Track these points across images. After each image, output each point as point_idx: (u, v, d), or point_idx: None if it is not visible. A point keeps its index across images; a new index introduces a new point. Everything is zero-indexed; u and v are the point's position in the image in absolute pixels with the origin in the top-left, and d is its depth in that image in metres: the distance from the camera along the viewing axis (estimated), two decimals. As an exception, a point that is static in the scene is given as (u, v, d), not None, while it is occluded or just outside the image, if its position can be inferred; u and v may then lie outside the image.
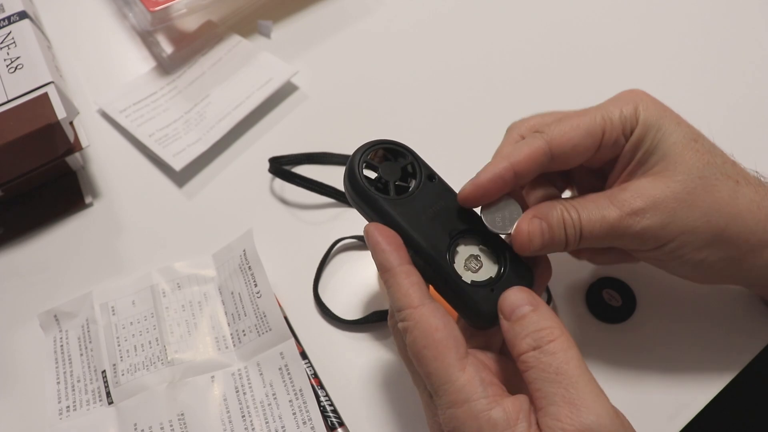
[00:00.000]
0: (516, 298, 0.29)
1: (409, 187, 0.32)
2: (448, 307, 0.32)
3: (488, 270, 0.31)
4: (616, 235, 0.31)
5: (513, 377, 0.30)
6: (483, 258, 0.32)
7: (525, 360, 0.27)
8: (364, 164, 0.32)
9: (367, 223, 0.31)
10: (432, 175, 0.33)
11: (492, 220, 0.32)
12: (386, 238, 0.30)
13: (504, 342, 0.32)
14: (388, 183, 0.32)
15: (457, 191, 0.33)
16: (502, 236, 0.32)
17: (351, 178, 0.32)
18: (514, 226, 0.32)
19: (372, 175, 0.33)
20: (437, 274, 0.31)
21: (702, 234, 0.31)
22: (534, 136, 0.32)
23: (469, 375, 0.27)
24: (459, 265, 0.31)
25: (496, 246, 0.32)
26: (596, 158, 0.33)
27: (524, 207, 0.33)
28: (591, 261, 0.38)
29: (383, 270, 0.30)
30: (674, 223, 0.31)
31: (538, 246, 0.31)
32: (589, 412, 0.25)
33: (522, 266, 0.32)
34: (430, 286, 0.32)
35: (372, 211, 0.32)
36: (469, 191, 0.31)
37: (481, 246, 0.32)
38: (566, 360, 0.27)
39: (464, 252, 0.31)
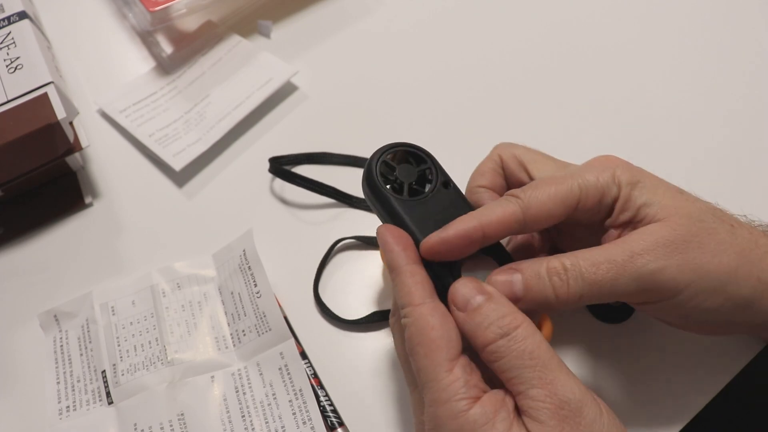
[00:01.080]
0: (466, 289, 0.29)
1: (424, 192, 0.33)
2: None
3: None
4: (629, 281, 0.29)
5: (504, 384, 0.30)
6: (486, 268, 0.31)
7: (495, 350, 0.27)
8: (383, 163, 0.33)
9: (380, 224, 0.32)
10: (448, 183, 0.33)
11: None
12: (396, 238, 0.31)
13: None
14: (403, 184, 0.32)
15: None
16: None
17: (368, 173, 0.32)
18: (486, 279, 0.30)
19: (391, 176, 0.33)
20: (438, 278, 0.31)
21: (716, 276, 0.30)
22: (509, 200, 0.31)
23: (455, 376, 0.27)
24: (462, 271, 0.31)
25: (501, 258, 0.32)
26: (575, 218, 0.32)
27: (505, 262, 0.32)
28: None
29: (391, 269, 0.30)
30: (688, 265, 0.29)
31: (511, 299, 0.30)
32: (565, 389, 0.26)
33: None
34: None
35: (383, 208, 0.32)
36: (433, 244, 0.30)
37: (485, 256, 0.32)
38: (536, 345, 0.27)
39: (468, 260, 0.31)
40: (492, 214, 0.31)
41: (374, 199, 0.33)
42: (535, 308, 0.30)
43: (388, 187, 0.32)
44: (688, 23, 0.56)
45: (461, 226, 0.30)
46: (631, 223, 0.31)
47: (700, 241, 0.30)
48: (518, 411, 0.27)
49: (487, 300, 0.29)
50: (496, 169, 0.36)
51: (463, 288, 0.29)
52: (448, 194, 0.33)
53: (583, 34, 0.55)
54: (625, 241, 0.30)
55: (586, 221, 0.33)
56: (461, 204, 0.33)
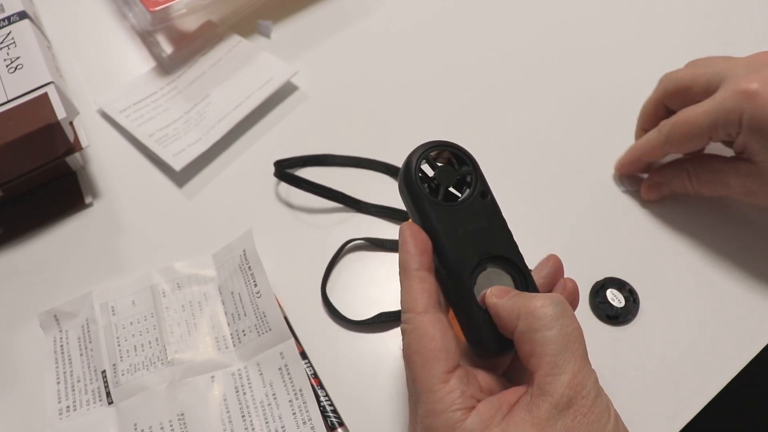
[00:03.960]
0: (504, 287, 0.30)
1: (460, 198, 0.32)
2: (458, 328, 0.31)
3: None
4: (740, 104, 0.37)
5: None
6: (499, 284, 0.31)
7: (546, 320, 0.27)
8: (424, 160, 0.32)
9: (404, 222, 0.32)
10: (485, 193, 0.32)
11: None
12: (415, 240, 0.30)
13: (508, 368, 0.32)
14: (439, 186, 0.31)
15: (504, 216, 0.32)
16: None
17: (406, 168, 0.31)
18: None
19: (430, 173, 0.32)
20: (454, 290, 0.30)
21: None
22: (654, 136, 0.43)
23: (451, 387, 0.27)
24: (479, 288, 0.30)
25: (522, 281, 0.31)
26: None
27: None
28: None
29: (402, 270, 0.30)
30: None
31: (654, 198, 0.45)
32: (590, 379, 0.27)
33: None
34: (450, 311, 0.31)
35: (414, 206, 0.31)
36: (619, 166, 0.47)
37: (507, 276, 0.31)
38: (577, 333, 0.28)
39: (488, 277, 0.30)
40: (643, 146, 0.44)
41: (408, 197, 0.31)
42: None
43: (425, 185, 0.31)
44: (687, 22, 0.56)
45: (628, 154, 0.46)
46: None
47: None
48: (532, 391, 0.27)
49: (521, 293, 0.30)
50: (658, 108, 0.45)
51: (500, 287, 0.30)
52: (484, 205, 0.31)
53: (582, 34, 0.55)
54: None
55: (725, 138, 0.40)
56: (495, 217, 0.32)
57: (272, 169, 0.46)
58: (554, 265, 0.34)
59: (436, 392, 0.27)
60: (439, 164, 0.32)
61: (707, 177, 0.42)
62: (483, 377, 0.30)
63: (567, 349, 0.27)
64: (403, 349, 0.29)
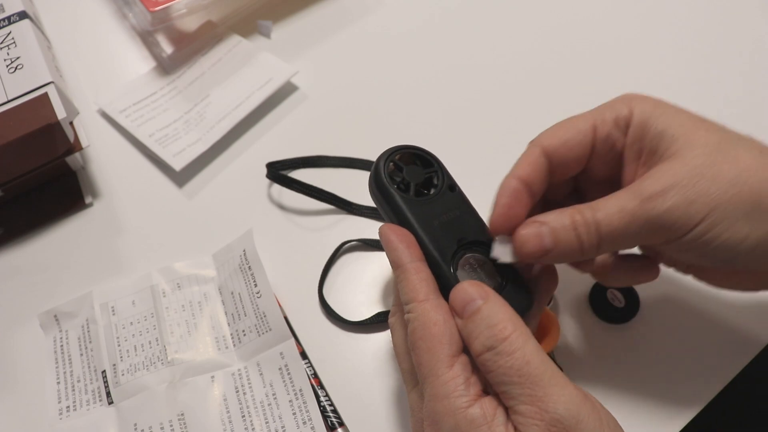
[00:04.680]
0: (466, 293, 0.29)
1: (429, 194, 0.33)
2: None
3: (488, 284, 0.31)
4: (640, 226, 0.29)
5: None
6: (485, 271, 0.32)
7: (483, 363, 0.27)
8: (391, 163, 0.33)
9: (382, 224, 0.32)
10: (453, 186, 0.34)
11: (501, 251, 0.31)
12: (399, 236, 0.31)
13: None
14: (409, 184, 0.33)
15: (475, 191, 0.33)
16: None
17: (376, 172, 0.33)
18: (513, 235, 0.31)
19: (398, 176, 0.33)
20: (438, 278, 0.31)
21: (735, 205, 0.28)
22: (528, 148, 0.33)
23: (455, 372, 0.27)
24: (461, 274, 0.31)
25: (501, 262, 0.32)
26: (597, 162, 0.33)
27: None
28: (603, 281, 0.35)
29: (395, 266, 0.31)
30: (701, 198, 0.28)
31: (534, 251, 0.30)
32: (557, 404, 0.25)
33: (522, 284, 0.32)
34: None
35: (388, 206, 0.32)
36: (496, 218, 0.31)
37: (485, 260, 0.32)
38: (526, 358, 0.26)
39: (468, 262, 0.31)
40: (520, 163, 0.32)
41: (380, 197, 0.33)
42: (560, 261, 0.31)
43: (394, 186, 0.32)
44: (687, 22, 0.56)
45: (505, 189, 0.32)
46: (645, 155, 0.31)
47: (715, 172, 0.28)
48: (513, 426, 0.26)
49: (483, 304, 0.28)
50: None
51: (462, 291, 0.29)
52: (453, 197, 0.33)
53: (582, 35, 0.55)
54: (635, 186, 0.30)
55: (607, 158, 0.33)
56: (466, 207, 0.33)
57: (272, 169, 0.46)
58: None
59: (440, 376, 0.27)
60: (405, 166, 0.34)
61: (605, 204, 0.30)
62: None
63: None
64: (408, 336, 0.30)
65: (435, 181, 0.33)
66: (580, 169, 0.33)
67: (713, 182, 0.28)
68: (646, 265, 0.34)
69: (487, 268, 0.32)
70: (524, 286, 0.32)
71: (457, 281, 0.31)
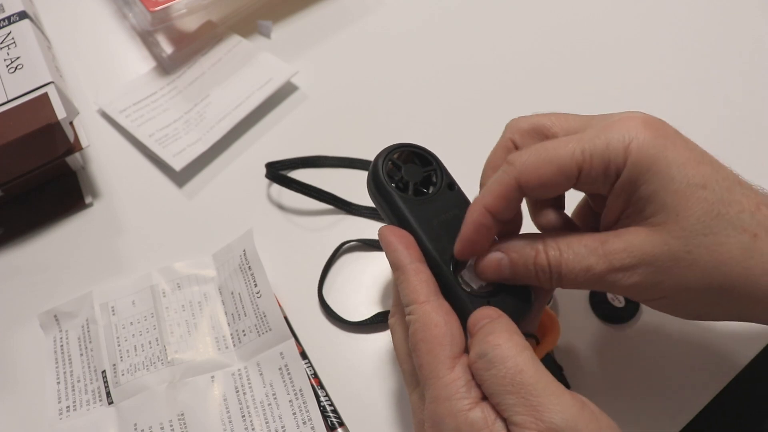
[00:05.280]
0: (480, 314, 0.29)
1: (428, 192, 0.33)
2: None
3: (489, 283, 0.31)
4: (601, 287, 0.29)
5: None
6: None
7: (475, 372, 0.27)
8: (390, 162, 0.33)
9: (381, 225, 0.32)
10: (452, 185, 0.33)
11: (469, 276, 0.31)
12: (398, 237, 0.31)
13: None
14: (408, 183, 0.33)
15: (474, 192, 0.33)
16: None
17: (374, 171, 0.33)
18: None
19: (397, 175, 0.33)
20: (437, 277, 0.31)
21: (701, 293, 0.28)
22: (504, 171, 0.30)
23: (456, 374, 0.27)
24: (461, 273, 0.31)
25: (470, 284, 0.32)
26: (580, 187, 0.30)
27: None
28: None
29: (395, 268, 0.31)
30: (668, 281, 0.28)
31: (493, 278, 0.30)
32: (553, 413, 0.25)
33: (523, 285, 0.32)
34: None
35: (387, 205, 0.32)
36: (460, 249, 0.30)
37: None
38: (518, 368, 0.26)
39: (468, 261, 0.31)
40: (490, 193, 0.30)
41: (379, 197, 0.33)
42: (517, 283, 0.31)
43: (393, 185, 0.32)
44: (687, 22, 0.56)
45: (470, 219, 0.30)
46: (630, 208, 0.29)
47: (693, 259, 0.27)
48: None
49: (488, 323, 0.28)
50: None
51: (477, 313, 0.29)
52: (452, 195, 0.33)
53: (582, 35, 0.55)
54: (608, 245, 0.28)
55: (589, 190, 0.30)
56: (465, 206, 0.33)
57: (272, 169, 0.46)
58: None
59: (442, 378, 0.27)
60: (403, 165, 0.33)
61: (574, 254, 0.29)
62: None
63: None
64: (409, 338, 0.30)
65: (434, 179, 0.33)
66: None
67: (687, 269, 0.27)
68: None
69: None
70: (524, 286, 0.32)
71: (456, 282, 0.31)
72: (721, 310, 0.29)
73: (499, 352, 0.26)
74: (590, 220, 0.35)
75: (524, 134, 0.32)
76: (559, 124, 0.31)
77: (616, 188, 0.28)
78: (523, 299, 0.31)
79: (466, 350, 0.29)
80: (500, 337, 0.27)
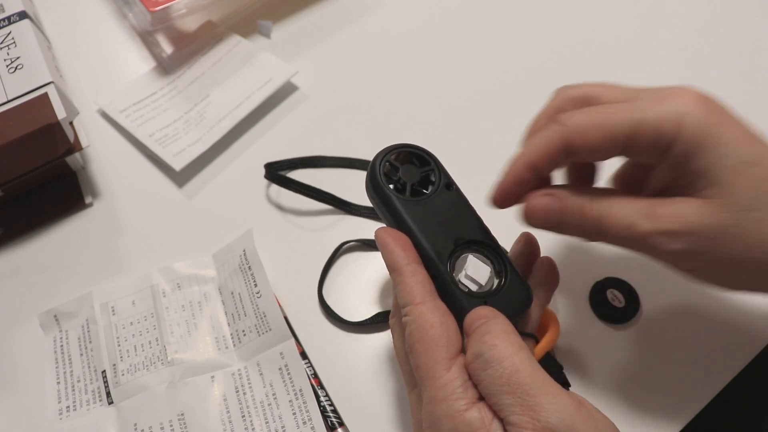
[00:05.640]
0: (476, 313, 0.29)
1: (426, 193, 0.33)
2: None
3: (487, 283, 0.31)
4: (641, 247, 0.29)
5: None
6: (484, 270, 0.31)
7: (472, 372, 0.27)
8: (387, 163, 0.33)
9: (379, 226, 0.32)
10: (450, 185, 0.33)
11: (469, 282, 0.31)
12: (395, 239, 0.31)
13: None
14: (405, 184, 0.33)
15: (474, 193, 0.33)
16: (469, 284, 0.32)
17: (371, 172, 0.33)
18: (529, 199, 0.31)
19: (395, 176, 0.33)
20: (435, 278, 0.31)
21: (745, 266, 0.28)
22: (552, 129, 0.30)
23: (453, 375, 0.27)
24: (458, 273, 0.31)
25: (499, 261, 0.32)
26: (629, 155, 0.30)
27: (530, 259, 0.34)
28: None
29: (391, 269, 0.31)
30: (712, 252, 0.28)
31: (538, 224, 0.31)
32: (549, 413, 0.25)
33: (522, 283, 0.32)
34: None
35: (384, 206, 0.32)
36: (496, 195, 0.32)
37: (484, 258, 0.32)
38: (514, 368, 0.26)
39: (466, 262, 0.31)
40: (535, 148, 0.30)
41: (376, 198, 0.33)
42: (559, 233, 0.31)
43: (390, 186, 0.32)
44: (687, 22, 0.56)
45: (512, 170, 0.31)
46: (681, 178, 0.29)
47: (739, 233, 0.28)
48: None
49: (485, 322, 0.28)
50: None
51: (472, 313, 0.29)
52: (450, 196, 0.33)
53: (582, 35, 0.55)
54: (656, 207, 0.29)
55: (641, 159, 0.30)
56: (463, 206, 0.33)
57: (272, 169, 0.46)
58: (528, 242, 0.34)
59: (438, 379, 0.27)
60: (401, 166, 0.34)
61: (622, 210, 0.29)
62: None
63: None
64: (405, 339, 0.30)
65: (432, 179, 0.33)
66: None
67: (733, 242, 0.28)
68: None
69: (486, 268, 0.32)
70: (523, 285, 0.32)
71: (454, 282, 0.31)
72: (763, 284, 0.30)
73: (496, 352, 0.26)
74: (630, 186, 0.35)
75: (573, 102, 0.32)
76: (609, 94, 0.31)
77: (668, 160, 0.29)
78: (520, 299, 0.31)
79: (463, 350, 0.29)
80: (496, 337, 0.27)
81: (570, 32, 0.55)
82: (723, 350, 0.39)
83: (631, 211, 0.29)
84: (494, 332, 0.27)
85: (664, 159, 0.29)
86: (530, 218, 0.31)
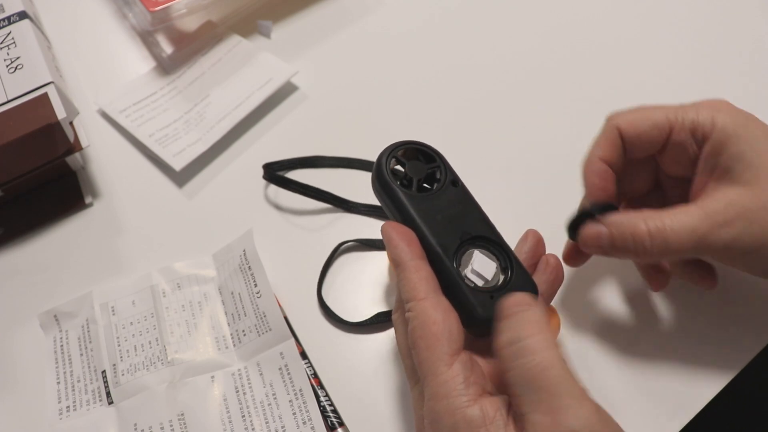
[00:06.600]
0: (516, 298, 0.29)
1: (432, 189, 0.33)
2: None
3: (493, 278, 0.31)
4: (704, 247, 0.32)
5: None
6: (489, 266, 0.32)
7: (504, 358, 0.27)
8: (394, 159, 0.33)
9: (384, 222, 0.33)
10: (456, 181, 0.34)
11: (474, 277, 0.32)
12: (400, 234, 0.31)
13: None
14: (412, 179, 0.33)
15: (476, 191, 0.34)
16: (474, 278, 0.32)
17: (378, 168, 0.33)
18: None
19: (400, 172, 0.34)
20: (441, 273, 0.31)
21: None
22: (605, 125, 0.35)
23: (455, 372, 0.27)
24: (464, 268, 0.31)
25: (504, 256, 0.32)
26: (668, 160, 0.35)
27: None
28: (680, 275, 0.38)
29: (396, 264, 0.31)
30: (762, 232, 0.31)
31: (592, 249, 0.34)
32: (571, 417, 0.24)
33: (528, 279, 0.32)
34: None
35: (391, 201, 0.33)
36: (591, 194, 0.35)
37: (489, 254, 0.32)
38: (545, 364, 0.26)
39: (472, 257, 0.31)
40: (598, 144, 0.35)
41: (383, 193, 0.33)
42: (621, 258, 0.34)
43: (397, 182, 0.33)
44: (687, 22, 0.56)
45: (588, 168, 0.35)
46: (719, 172, 0.32)
47: None
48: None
49: (523, 310, 0.28)
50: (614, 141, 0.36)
51: (513, 297, 0.29)
52: (456, 192, 0.33)
53: (582, 35, 0.55)
54: (706, 206, 0.32)
55: (679, 158, 0.34)
56: (469, 202, 0.33)
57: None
58: (533, 239, 0.35)
59: (440, 375, 0.28)
60: (407, 161, 0.34)
61: (677, 220, 0.32)
62: (484, 363, 0.30)
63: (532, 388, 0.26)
64: (408, 335, 0.30)
65: (438, 176, 0.33)
66: (646, 156, 0.36)
67: None
68: (708, 274, 0.38)
69: (492, 263, 0.32)
70: (529, 281, 0.32)
71: (459, 277, 0.31)
72: None
73: (532, 342, 0.26)
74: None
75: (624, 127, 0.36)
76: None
77: (705, 152, 0.33)
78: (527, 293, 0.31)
79: (465, 346, 0.29)
80: (535, 327, 0.27)
81: (570, 32, 0.55)
82: (723, 350, 0.39)
83: (686, 218, 0.32)
84: (535, 322, 0.27)
85: (702, 152, 0.33)
86: (584, 246, 0.34)
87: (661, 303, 0.41)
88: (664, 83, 0.52)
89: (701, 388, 0.38)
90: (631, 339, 0.40)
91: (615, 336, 0.40)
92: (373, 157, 0.34)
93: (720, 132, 0.32)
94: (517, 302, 0.28)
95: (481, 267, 0.31)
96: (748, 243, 0.31)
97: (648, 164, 0.37)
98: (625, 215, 0.33)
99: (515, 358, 0.26)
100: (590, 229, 0.33)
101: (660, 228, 0.32)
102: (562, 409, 0.25)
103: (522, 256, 0.34)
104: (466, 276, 0.31)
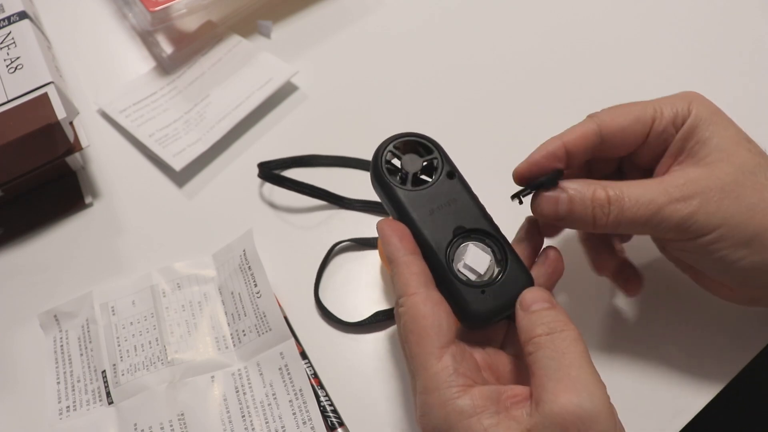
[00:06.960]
0: (536, 295, 0.30)
1: (428, 182, 0.33)
2: None
3: (486, 271, 0.31)
4: (659, 220, 0.31)
5: (507, 374, 0.31)
6: (483, 259, 0.32)
7: (537, 341, 0.28)
8: (390, 153, 0.34)
9: (379, 219, 0.33)
10: (452, 173, 0.34)
11: (467, 272, 0.32)
12: (393, 230, 0.32)
13: (504, 338, 0.33)
14: (408, 173, 0.33)
15: (475, 192, 0.34)
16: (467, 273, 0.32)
17: (373, 163, 0.33)
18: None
19: (399, 167, 0.34)
20: (434, 268, 0.31)
21: (743, 229, 0.31)
22: (585, 120, 0.34)
23: (444, 364, 0.28)
24: (457, 262, 0.31)
25: (499, 250, 0.32)
26: (646, 151, 0.34)
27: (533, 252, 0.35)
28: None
29: (390, 260, 0.31)
30: (718, 213, 0.31)
31: (547, 214, 0.32)
32: (586, 393, 0.26)
33: (523, 273, 0.32)
34: None
35: (386, 196, 0.33)
36: (522, 168, 0.34)
37: (484, 247, 0.32)
38: (575, 350, 0.28)
39: (466, 251, 0.32)
40: (572, 132, 0.34)
41: (378, 188, 0.33)
42: (574, 228, 0.34)
43: (396, 177, 0.33)
44: (687, 22, 0.56)
45: (546, 147, 0.33)
46: (685, 155, 0.33)
47: (740, 193, 0.31)
48: (536, 402, 0.27)
49: (549, 307, 0.29)
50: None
51: (533, 293, 0.30)
52: (451, 184, 0.33)
53: (582, 35, 0.55)
54: (665, 182, 0.32)
55: (657, 150, 0.34)
56: (465, 194, 0.33)
57: (272, 169, 0.46)
58: (531, 229, 0.35)
59: (430, 368, 0.28)
60: (404, 155, 0.34)
61: (635, 190, 0.32)
62: (480, 354, 0.31)
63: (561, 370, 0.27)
64: (401, 330, 0.30)
65: (435, 167, 0.34)
66: (628, 153, 0.35)
67: (735, 202, 0.31)
68: (634, 279, 0.38)
69: (486, 257, 0.32)
70: (525, 272, 0.32)
71: (452, 271, 0.31)
72: (754, 263, 0.31)
73: (566, 334, 0.28)
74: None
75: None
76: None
77: (680, 135, 0.33)
78: (520, 288, 0.31)
79: (458, 337, 0.30)
80: (568, 325, 0.29)
81: (570, 32, 0.55)
82: (723, 350, 0.39)
83: (644, 190, 0.32)
84: (565, 321, 0.29)
85: (678, 133, 0.33)
86: (538, 208, 0.33)
87: (660, 303, 0.41)
88: (664, 83, 0.52)
89: (701, 389, 0.38)
90: (630, 338, 0.40)
91: (614, 336, 0.40)
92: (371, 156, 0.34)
93: (693, 118, 0.33)
94: (543, 298, 0.30)
95: (473, 261, 0.31)
96: (701, 223, 0.31)
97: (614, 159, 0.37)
98: (584, 181, 0.33)
99: (551, 341, 0.28)
100: (549, 194, 0.33)
101: (619, 196, 0.31)
102: (579, 383, 0.27)
103: (520, 246, 0.34)
104: (458, 270, 0.31)
